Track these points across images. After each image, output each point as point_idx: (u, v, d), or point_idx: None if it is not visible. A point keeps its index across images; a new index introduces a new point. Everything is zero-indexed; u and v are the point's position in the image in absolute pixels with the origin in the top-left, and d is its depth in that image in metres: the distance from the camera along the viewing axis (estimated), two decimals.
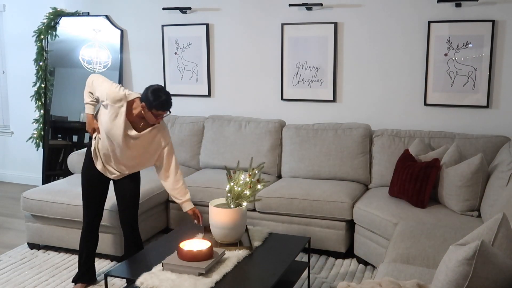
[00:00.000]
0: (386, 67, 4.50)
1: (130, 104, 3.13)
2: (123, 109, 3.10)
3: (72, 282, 3.52)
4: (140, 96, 3.15)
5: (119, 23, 5.42)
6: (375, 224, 3.60)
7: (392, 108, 4.53)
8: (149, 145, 3.23)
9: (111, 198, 3.67)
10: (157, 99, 3.03)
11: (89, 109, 3.26)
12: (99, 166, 3.29)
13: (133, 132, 3.15)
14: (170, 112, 3.15)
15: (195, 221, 3.38)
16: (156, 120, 3.14)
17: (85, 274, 3.50)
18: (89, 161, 3.31)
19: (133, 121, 3.16)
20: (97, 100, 3.24)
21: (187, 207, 3.36)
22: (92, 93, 3.23)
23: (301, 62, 4.74)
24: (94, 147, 3.26)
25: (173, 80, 5.25)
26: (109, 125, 3.12)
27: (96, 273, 3.74)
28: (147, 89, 3.09)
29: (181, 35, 5.14)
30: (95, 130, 3.24)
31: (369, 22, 4.50)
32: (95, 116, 3.27)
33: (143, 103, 3.07)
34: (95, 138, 3.26)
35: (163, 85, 3.16)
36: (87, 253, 3.47)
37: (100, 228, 3.82)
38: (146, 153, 3.24)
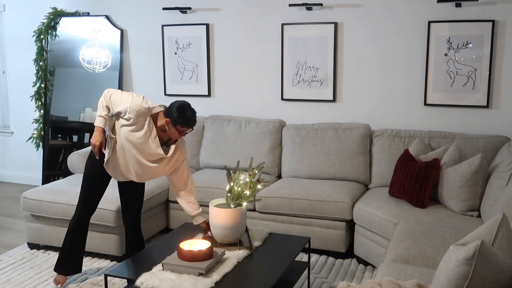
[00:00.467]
0: (386, 67, 4.50)
1: (154, 117, 3.07)
2: (148, 121, 3.03)
3: (55, 271, 3.48)
4: (163, 109, 3.09)
5: (119, 23, 5.42)
6: (375, 224, 3.60)
7: (392, 108, 4.53)
8: (169, 162, 3.17)
9: (114, 199, 3.67)
10: (183, 116, 2.96)
11: (101, 123, 3.12)
12: (110, 171, 3.23)
13: (159, 150, 3.07)
14: (193, 129, 3.10)
15: (209, 232, 3.17)
16: (179, 136, 3.08)
17: (70, 265, 3.43)
18: (93, 158, 3.25)
19: (157, 134, 3.10)
20: (111, 115, 3.16)
21: (199, 220, 3.27)
22: (108, 107, 3.13)
23: (301, 62, 4.74)
24: (108, 160, 3.17)
25: (173, 80, 5.25)
26: (135, 140, 3.05)
27: (96, 273, 3.75)
28: (172, 104, 3.02)
29: (181, 35, 5.14)
30: (101, 145, 3.12)
31: (369, 22, 4.50)
32: (109, 129, 3.16)
33: (168, 119, 3.00)
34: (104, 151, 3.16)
35: (188, 102, 3.09)
36: (75, 245, 3.41)
37: (100, 228, 3.83)
38: (163, 169, 3.19)
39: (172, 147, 3.14)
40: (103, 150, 3.14)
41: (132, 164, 3.15)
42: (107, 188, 3.38)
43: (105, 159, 3.17)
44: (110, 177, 3.33)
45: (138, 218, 3.46)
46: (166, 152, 3.11)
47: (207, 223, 3.25)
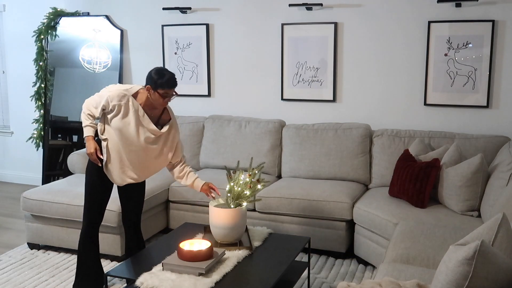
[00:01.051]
0: (386, 67, 4.50)
1: (135, 96, 3.09)
2: (131, 101, 3.05)
3: None
4: (142, 86, 3.11)
5: (119, 23, 5.42)
6: (375, 224, 3.60)
7: (392, 108, 4.53)
8: (166, 141, 3.18)
9: (114, 199, 3.66)
10: (162, 77, 2.99)
11: (89, 131, 3.11)
12: (114, 175, 3.17)
13: (151, 126, 3.08)
14: (176, 93, 3.08)
15: (212, 195, 3.23)
16: (164, 102, 3.06)
17: (91, 279, 3.33)
18: (92, 165, 3.22)
19: (145, 112, 3.10)
20: (97, 119, 3.16)
21: (199, 184, 3.25)
22: (91, 115, 3.11)
23: (301, 62, 4.74)
24: (106, 162, 3.14)
25: None
26: (127, 127, 3.05)
27: None
28: (149, 72, 3.05)
29: (181, 35, 5.14)
30: (97, 151, 3.10)
31: (369, 22, 4.50)
32: (100, 133, 3.15)
33: (148, 86, 3.02)
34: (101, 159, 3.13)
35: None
36: (91, 256, 3.33)
37: (100, 228, 3.82)
38: (162, 151, 3.18)
39: (166, 126, 3.16)
40: (100, 156, 3.12)
41: (130, 159, 3.12)
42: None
43: (103, 163, 3.15)
44: (112, 184, 3.29)
45: (137, 221, 3.44)
46: (159, 131, 3.12)
47: (208, 186, 3.26)
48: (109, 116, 3.08)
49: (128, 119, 3.05)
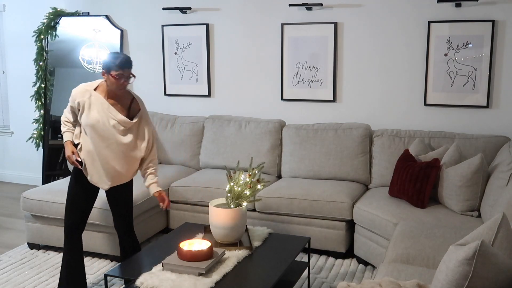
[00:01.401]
0: (386, 67, 4.50)
1: (97, 90, 3.10)
2: (94, 95, 3.07)
3: None
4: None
5: (119, 23, 5.42)
6: (375, 224, 3.60)
7: (392, 108, 4.53)
8: (137, 133, 3.16)
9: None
10: (113, 59, 3.01)
11: (67, 137, 3.18)
12: (94, 178, 3.16)
13: (119, 116, 3.07)
14: (133, 75, 3.06)
15: (161, 203, 3.26)
16: (120, 84, 3.02)
17: (74, 282, 3.29)
18: (74, 175, 3.21)
19: (110, 104, 3.10)
20: (74, 126, 3.19)
21: (152, 190, 3.24)
22: (67, 121, 3.19)
23: (301, 62, 4.74)
24: (84, 164, 3.14)
25: (173, 80, 5.25)
26: (92, 117, 3.06)
27: (96, 273, 3.75)
28: (104, 60, 3.08)
29: (181, 35, 5.14)
30: (74, 154, 3.12)
31: (369, 22, 4.50)
32: (74, 138, 3.18)
33: (103, 71, 3.04)
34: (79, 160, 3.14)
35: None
36: (71, 263, 3.28)
37: (100, 228, 3.83)
38: (136, 143, 3.15)
39: (136, 117, 3.15)
40: (78, 158, 3.12)
41: (107, 156, 3.08)
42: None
43: (83, 167, 3.15)
44: (96, 192, 3.27)
45: (129, 224, 3.37)
46: (130, 121, 3.10)
47: (160, 194, 3.23)
48: (79, 117, 3.12)
49: (94, 113, 3.06)
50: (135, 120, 3.13)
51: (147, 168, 3.25)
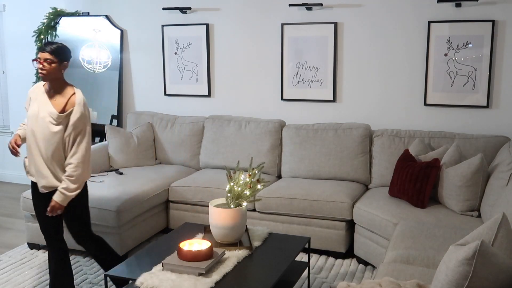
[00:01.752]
0: (386, 67, 4.50)
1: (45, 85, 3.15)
2: (37, 87, 3.14)
3: None
4: None
5: (119, 23, 5.42)
6: (375, 224, 3.60)
7: (392, 108, 4.53)
8: (65, 127, 3.07)
9: (116, 199, 3.67)
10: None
11: (18, 131, 3.29)
12: (32, 169, 3.18)
13: (49, 107, 3.05)
14: (51, 59, 3.00)
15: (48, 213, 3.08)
16: (40, 63, 3.00)
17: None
18: (33, 192, 3.21)
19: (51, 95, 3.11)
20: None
21: (55, 197, 3.05)
22: (24, 123, 3.26)
23: (301, 62, 4.74)
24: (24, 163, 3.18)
25: (173, 80, 5.25)
26: (31, 110, 3.09)
27: (96, 273, 3.75)
28: None
29: (181, 35, 5.14)
30: (15, 142, 3.23)
31: (369, 22, 4.50)
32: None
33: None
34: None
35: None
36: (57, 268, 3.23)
37: (100, 228, 3.81)
38: (62, 134, 3.06)
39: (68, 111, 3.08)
40: (15, 146, 3.23)
41: (37, 144, 3.07)
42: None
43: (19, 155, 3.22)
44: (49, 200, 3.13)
45: (82, 229, 3.25)
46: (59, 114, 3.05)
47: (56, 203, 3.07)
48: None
49: (33, 103, 3.10)
50: (62, 114, 3.05)
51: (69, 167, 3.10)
